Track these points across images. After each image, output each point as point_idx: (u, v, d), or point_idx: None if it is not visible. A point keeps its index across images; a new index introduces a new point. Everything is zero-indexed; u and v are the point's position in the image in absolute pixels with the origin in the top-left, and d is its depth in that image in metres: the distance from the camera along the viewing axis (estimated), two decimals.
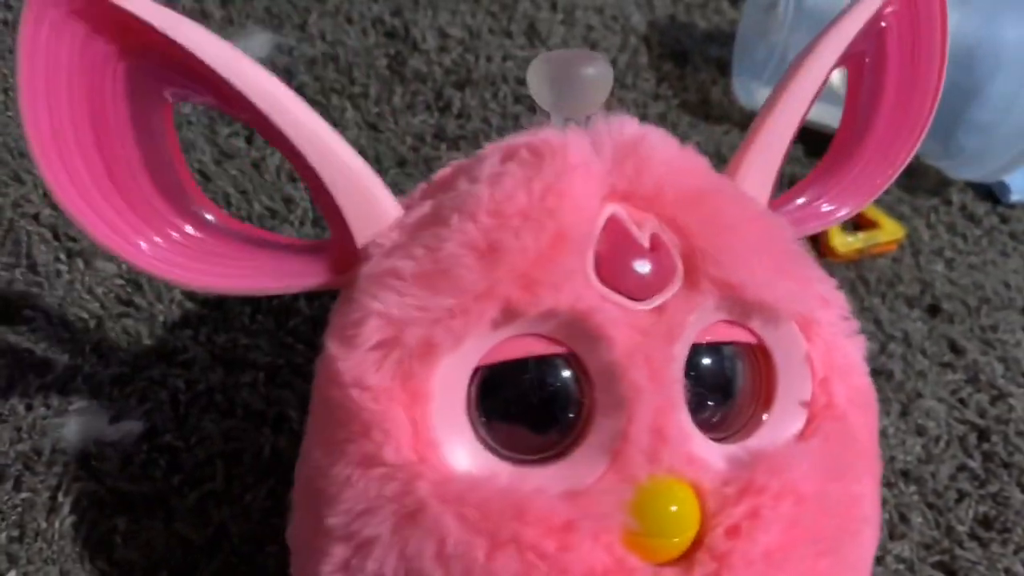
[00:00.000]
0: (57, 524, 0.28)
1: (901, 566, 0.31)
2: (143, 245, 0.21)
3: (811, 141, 0.47)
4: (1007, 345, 0.39)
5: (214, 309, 0.34)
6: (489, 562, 0.19)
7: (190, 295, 0.35)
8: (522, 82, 0.48)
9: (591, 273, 0.21)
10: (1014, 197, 0.47)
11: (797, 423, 0.22)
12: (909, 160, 0.27)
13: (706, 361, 0.22)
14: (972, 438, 0.35)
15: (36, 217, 0.36)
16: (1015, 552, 0.31)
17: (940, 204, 0.46)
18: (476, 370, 0.21)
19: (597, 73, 0.23)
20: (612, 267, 0.21)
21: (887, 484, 0.33)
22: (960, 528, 0.32)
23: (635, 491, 0.20)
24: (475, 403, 0.21)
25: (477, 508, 0.19)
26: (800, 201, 0.27)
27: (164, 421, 0.31)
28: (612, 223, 0.22)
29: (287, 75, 0.46)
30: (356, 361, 0.20)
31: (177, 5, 0.49)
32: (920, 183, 0.47)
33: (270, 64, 0.46)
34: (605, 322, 0.20)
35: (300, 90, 0.45)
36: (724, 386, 0.22)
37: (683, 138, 0.49)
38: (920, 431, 0.35)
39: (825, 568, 0.21)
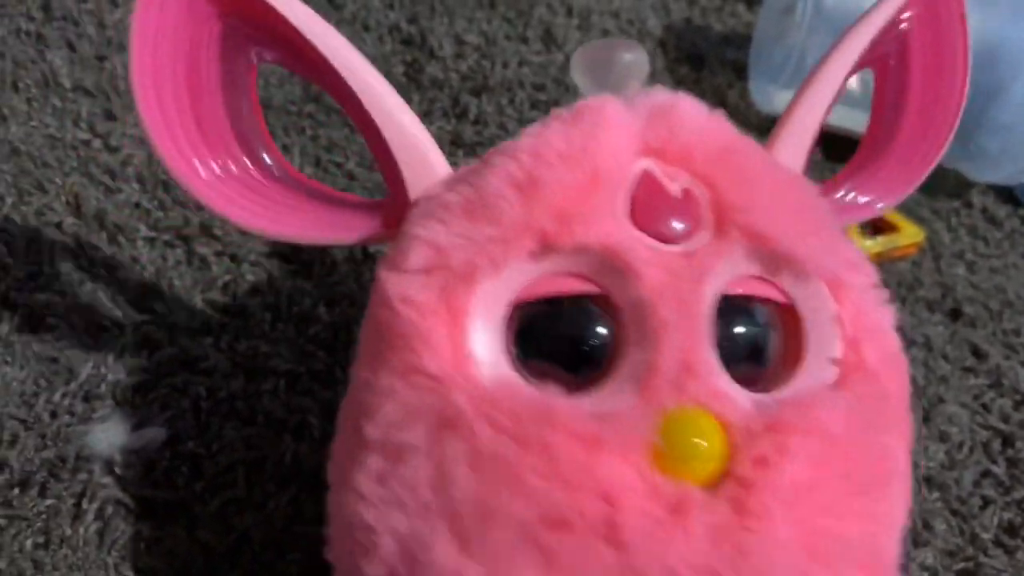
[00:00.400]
0: (82, 531, 0.28)
1: (925, 574, 0.30)
2: (202, 171, 0.24)
3: (829, 145, 0.47)
4: None
5: (235, 317, 0.35)
6: (516, 461, 0.20)
7: (210, 303, 0.35)
8: (539, 87, 0.48)
9: (624, 215, 0.22)
10: None
11: (828, 379, 0.23)
12: (936, 162, 0.28)
13: (736, 316, 0.23)
14: (996, 444, 0.35)
15: (59, 226, 0.37)
16: None
17: (961, 207, 0.46)
18: (515, 307, 0.22)
19: (634, 58, 0.25)
20: (644, 212, 0.22)
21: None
22: (985, 535, 0.32)
23: (662, 417, 0.20)
24: (513, 339, 0.22)
25: (509, 415, 0.20)
26: (835, 199, 0.28)
27: (186, 428, 0.31)
28: (645, 175, 0.23)
29: (305, 82, 0.46)
30: (403, 281, 0.22)
31: None
32: (940, 186, 0.47)
33: (288, 72, 0.46)
34: (636, 259, 0.21)
35: (318, 98, 0.45)
36: (753, 343, 0.23)
37: None
38: (943, 437, 0.35)
39: (858, 508, 0.21)
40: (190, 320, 0.34)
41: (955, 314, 0.40)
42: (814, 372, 0.23)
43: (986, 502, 0.33)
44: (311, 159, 0.42)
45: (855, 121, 0.46)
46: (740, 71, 0.51)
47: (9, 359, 0.32)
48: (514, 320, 0.22)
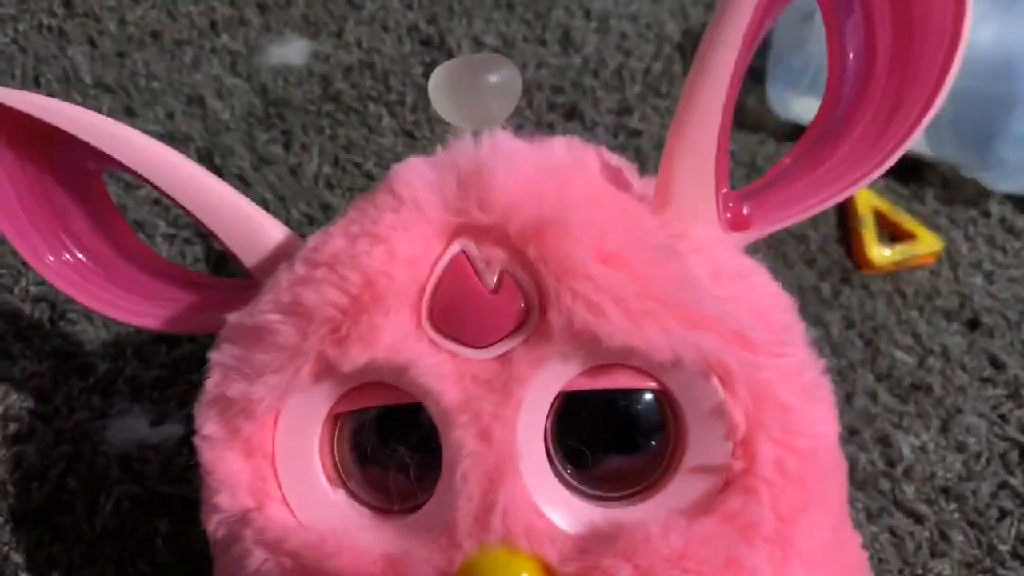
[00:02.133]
0: (98, 526, 0.28)
1: None
2: (50, 259, 0.25)
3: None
4: None
5: None
6: None
7: None
8: (557, 90, 0.48)
9: (424, 317, 0.19)
10: None
11: (705, 491, 0.19)
12: (916, 135, 0.22)
13: (585, 409, 0.20)
14: (1014, 455, 0.34)
15: None
16: None
17: (979, 216, 0.46)
18: (336, 417, 0.21)
19: (501, 80, 0.21)
20: (445, 311, 0.19)
21: (927, 501, 0.32)
22: (1002, 547, 0.31)
23: (461, 562, 0.18)
24: (333, 450, 0.21)
25: (290, 556, 0.19)
26: (776, 185, 0.23)
27: None
28: (455, 263, 0.20)
29: (324, 82, 0.46)
30: (200, 412, 0.21)
31: (216, 13, 0.49)
32: (958, 195, 0.46)
33: (307, 71, 0.47)
34: (428, 374, 0.19)
35: (337, 97, 0.45)
36: (608, 436, 0.20)
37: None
38: (960, 447, 0.34)
39: None
40: None
41: (973, 324, 0.40)
42: (691, 480, 0.19)
43: (1003, 513, 0.32)
44: (329, 158, 0.42)
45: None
46: (758, 77, 0.51)
47: (28, 354, 0.32)
48: (338, 431, 0.21)
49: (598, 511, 0.19)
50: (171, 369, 0.32)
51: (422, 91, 0.47)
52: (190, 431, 0.30)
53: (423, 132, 0.45)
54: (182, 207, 0.23)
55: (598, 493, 0.20)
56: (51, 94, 0.42)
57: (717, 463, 0.19)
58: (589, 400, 0.20)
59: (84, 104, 0.42)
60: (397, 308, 0.19)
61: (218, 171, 0.40)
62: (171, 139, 0.40)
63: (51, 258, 0.25)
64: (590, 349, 0.19)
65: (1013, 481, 0.33)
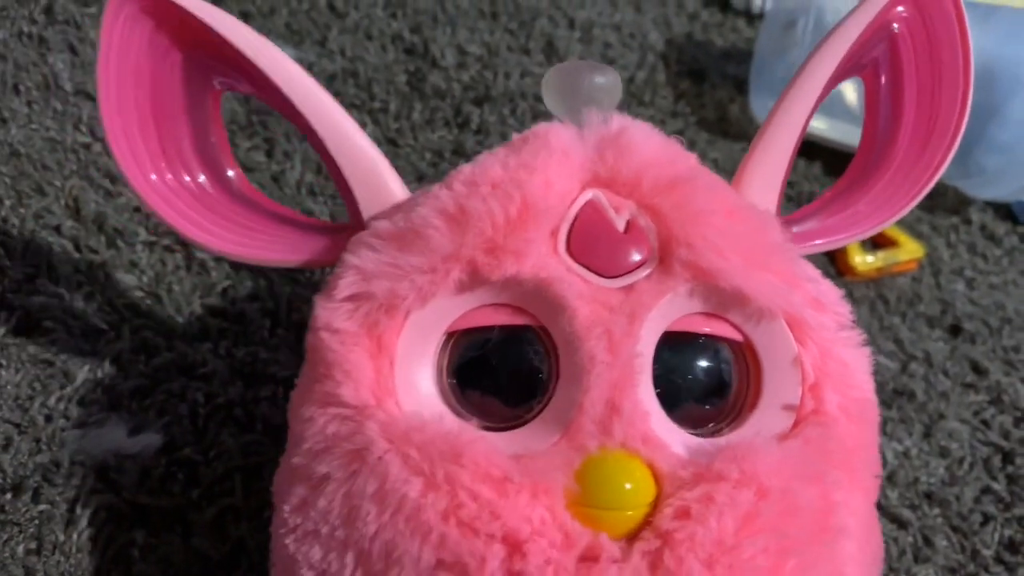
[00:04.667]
0: (75, 537, 0.28)
1: None
2: (154, 178, 0.24)
3: (829, 159, 0.47)
4: None
5: (234, 322, 0.34)
6: (421, 499, 0.19)
7: (209, 308, 0.35)
8: (540, 98, 0.48)
9: (561, 246, 0.22)
10: None
11: (781, 426, 0.22)
12: (935, 181, 0.26)
13: (680, 352, 0.22)
14: (996, 460, 0.35)
15: (58, 229, 0.36)
16: None
17: (960, 223, 0.46)
18: (451, 335, 0.22)
19: (606, 81, 0.24)
20: (582, 242, 0.22)
21: (911, 507, 0.32)
22: (986, 552, 0.31)
23: (583, 461, 0.20)
24: (446, 367, 0.22)
25: (419, 448, 0.20)
26: (817, 217, 0.26)
27: (183, 434, 0.30)
28: (590, 205, 0.22)
29: None
30: (330, 309, 0.22)
31: None
32: (939, 202, 0.47)
33: None
34: (567, 292, 0.21)
35: None
36: (698, 381, 0.22)
37: (701, 155, 0.49)
38: (943, 453, 0.35)
39: (791, 569, 0.20)
40: (188, 325, 0.34)
41: (955, 330, 0.40)
42: (768, 417, 0.22)
43: (987, 518, 0.33)
44: (312, 166, 0.42)
45: (854, 136, 0.46)
46: (741, 85, 0.52)
47: (4, 362, 0.32)
48: (451, 349, 0.22)
49: (692, 438, 0.21)
50: (150, 378, 0.32)
51: (405, 99, 0.47)
52: (168, 440, 0.30)
53: (406, 140, 0.45)
54: (317, 139, 0.24)
55: (686, 428, 0.22)
56: (30, 102, 0.42)
57: (791, 403, 0.22)
58: (684, 344, 0.22)
59: (64, 111, 0.42)
60: (545, 231, 0.22)
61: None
62: None
63: (153, 176, 0.24)
64: (706, 289, 0.22)
65: (996, 486, 0.34)
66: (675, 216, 0.22)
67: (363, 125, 0.45)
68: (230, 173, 0.26)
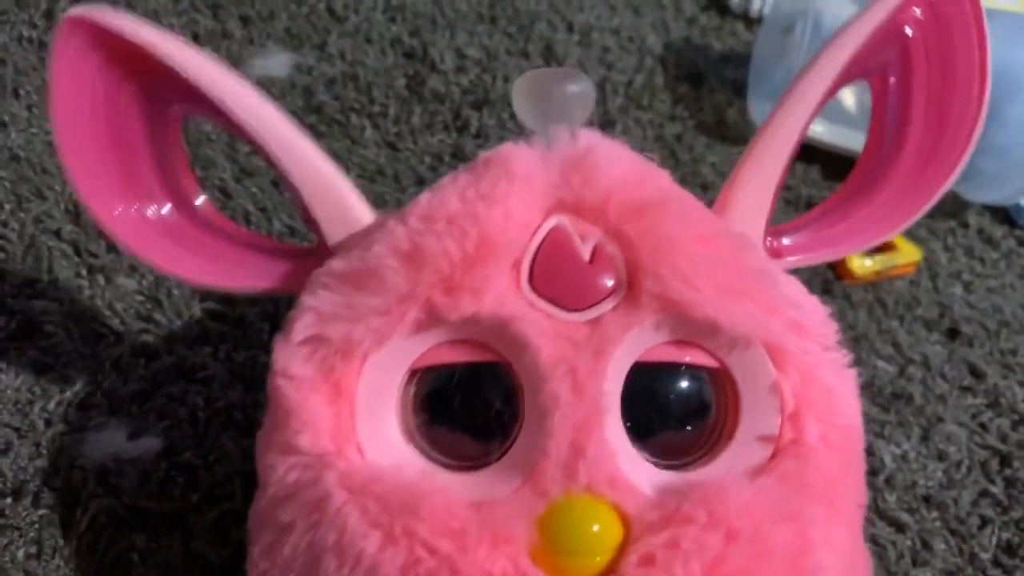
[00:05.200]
0: (75, 541, 0.28)
1: None
2: (119, 212, 0.24)
3: (828, 164, 0.47)
4: None
5: (234, 327, 0.34)
6: (379, 554, 0.19)
7: (209, 312, 0.35)
8: None
9: (523, 279, 0.21)
10: None
11: (758, 457, 0.21)
12: (941, 193, 0.25)
13: (652, 382, 0.21)
14: (994, 463, 0.35)
15: (58, 233, 0.36)
16: None
17: (957, 227, 0.46)
18: (413, 372, 0.21)
19: (578, 90, 0.23)
20: (545, 275, 0.21)
21: (909, 510, 0.32)
22: (983, 555, 0.31)
23: (547, 506, 0.19)
24: (411, 405, 0.21)
25: (377, 499, 0.19)
26: (814, 227, 0.26)
27: (183, 438, 0.31)
28: (554, 233, 0.21)
29: (307, 94, 0.46)
30: (287, 353, 0.21)
31: (199, 25, 0.49)
32: (937, 206, 0.47)
33: (290, 83, 0.47)
34: (529, 330, 0.20)
35: (320, 109, 0.45)
36: (671, 409, 0.22)
37: (699, 159, 0.49)
38: (941, 456, 0.35)
39: None
40: (188, 330, 0.34)
41: (952, 333, 0.40)
42: (744, 448, 0.21)
43: (985, 521, 0.33)
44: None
45: (852, 140, 0.46)
46: (739, 89, 0.52)
47: (4, 366, 0.32)
48: (416, 386, 0.21)
49: (664, 474, 0.21)
50: (150, 382, 0.32)
51: (405, 103, 0.47)
52: (168, 445, 0.30)
53: (406, 144, 0.45)
54: (275, 166, 0.23)
55: (659, 459, 0.21)
56: (30, 106, 0.42)
57: (769, 434, 0.21)
58: (655, 373, 0.21)
59: None
60: (505, 266, 0.21)
61: (199, 183, 0.40)
62: None
63: (118, 210, 0.24)
64: (676, 320, 0.21)
65: (994, 489, 0.34)
66: (643, 244, 0.21)
67: (362, 129, 0.45)
68: (197, 201, 0.25)
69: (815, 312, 0.23)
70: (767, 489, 0.20)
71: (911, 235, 0.44)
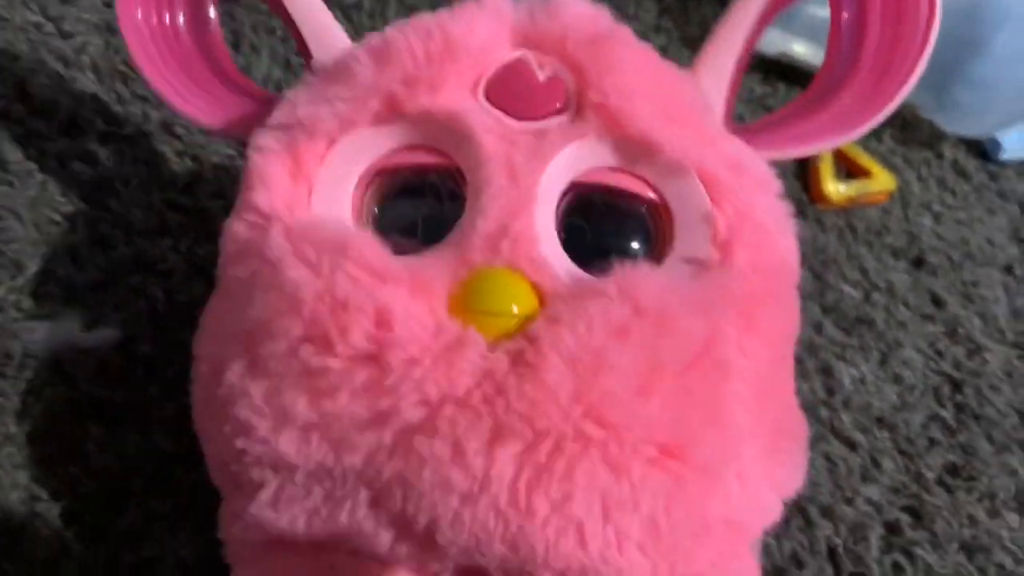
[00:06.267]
0: (28, 429, 0.27)
1: (870, 508, 0.31)
2: (139, 15, 0.27)
3: (801, 82, 0.46)
4: (987, 301, 0.39)
5: (195, 219, 0.33)
6: (301, 282, 0.20)
7: (169, 203, 0.34)
8: None
9: (479, 91, 0.23)
10: (1005, 155, 0.47)
11: (689, 273, 0.22)
12: (894, 104, 0.25)
13: (588, 206, 0.23)
14: (946, 389, 0.36)
15: (6, 114, 0.34)
16: (979, 499, 0.32)
17: (932, 157, 0.46)
18: (369, 179, 0.23)
19: None
20: (499, 87, 0.23)
21: (862, 429, 0.33)
22: (929, 475, 0.33)
23: (468, 272, 0.21)
24: (364, 206, 0.23)
25: (312, 243, 0.21)
26: (774, 128, 0.26)
27: (142, 331, 0.30)
28: (516, 61, 0.23)
29: None
30: (262, 134, 0.23)
31: None
32: (914, 135, 0.47)
33: None
34: (477, 127, 0.22)
35: None
36: (607, 233, 0.23)
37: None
38: (897, 379, 0.35)
39: (664, 388, 0.20)
40: (147, 220, 0.33)
41: (919, 262, 0.41)
42: (675, 267, 0.22)
43: (932, 443, 0.34)
44: (280, 61, 0.40)
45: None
46: (726, 3, 0.50)
47: None
48: (369, 193, 0.23)
49: (582, 271, 0.22)
50: (106, 272, 0.31)
51: None
52: (128, 335, 0.30)
53: None
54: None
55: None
56: None
57: (700, 257, 0.22)
58: (593, 199, 0.23)
59: None
60: (462, 72, 0.23)
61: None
62: (109, 30, 0.38)
63: (140, 13, 0.26)
64: (615, 139, 0.22)
65: (944, 413, 0.35)
66: (592, 67, 0.22)
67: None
68: (211, 14, 0.27)
69: (756, 158, 0.24)
70: (682, 283, 0.21)
71: (886, 163, 0.44)
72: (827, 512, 0.31)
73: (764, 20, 0.25)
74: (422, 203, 0.23)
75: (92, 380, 0.28)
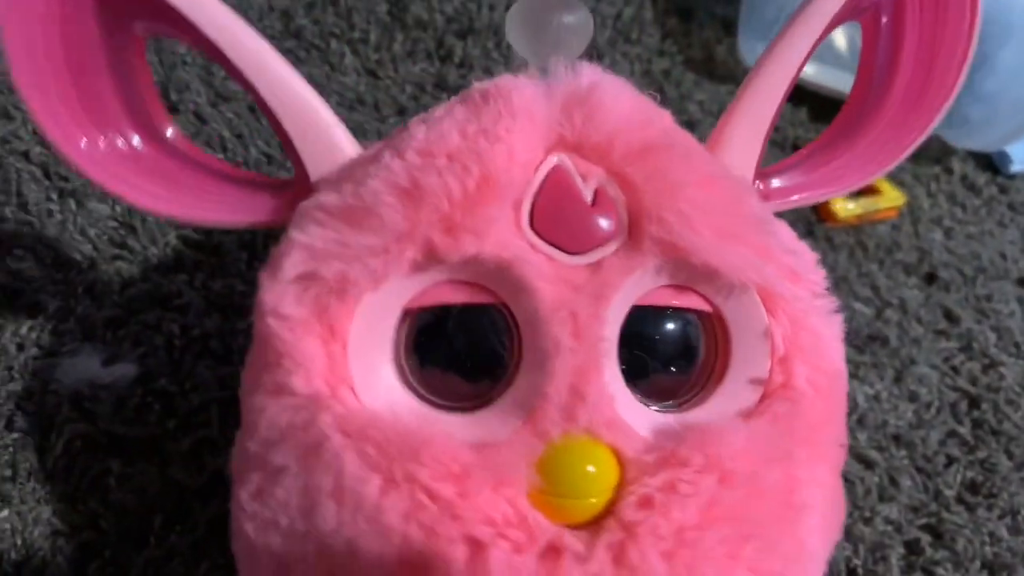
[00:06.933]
0: (50, 465, 0.28)
1: (889, 527, 0.31)
2: (84, 143, 0.22)
3: (816, 105, 0.47)
4: (1000, 315, 0.39)
5: (210, 254, 0.34)
6: (381, 499, 0.19)
7: (185, 239, 0.34)
8: None
9: (524, 221, 0.20)
10: (1014, 168, 0.47)
11: (748, 400, 0.21)
12: (926, 136, 0.25)
13: (648, 325, 0.21)
14: (963, 405, 0.35)
15: (26, 155, 0.35)
16: (1000, 517, 0.32)
17: (941, 172, 0.46)
18: (408, 312, 0.21)
19: (576, 20, 0.23)
20: (547, 217, 0.21)
21: (878, 448, 0.33)
22: (948, 492, 0.32)
23: (546, 448, 0.19)
24: (404, 345, 0.21)
25: (376, 445, 0.19)
26: (800, 169, 0.26)
27: (158, 366, 0.30)
28: (555, 173, 0.21)
29: (285, 18, 0.44)
30: (277, 292, 0.20)
31: None
32: (922, 151, 0.46)
33: (267, 6, 0.45)
34: (531, 272, 0.20)
35: (298, 34, 0.44)
36: (666, 352, 0.22)
37: (686, 96, 0.48)
38: (912, 397, 0.35)
39: (751, 553, 0.20)
40: (163, 257, 0.34)
41: (930, 278, 0.41)
42: (735, 390, 0.22)
43: (950, 460, 0.33)
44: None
45: (841, 81, 0.46)
46: (729, 26, 0.51)
47: None
48: (409, 326, 0.21)
49: (659, 417, 0.21)
50: (124, 309, 0.32)
51: (386, 29, 0.46)
52: (144, 371, 0.30)
53: (386, 71, 0.44)
54: (254, 93, 0.22)
55: (652, 401, 0.21)
56: None
57: (759, 376, 0.22)
58: (652, 316, 0.21)
59: None
60: (507, 206, 0.20)
61: (174, 107, 0.39)
62: None
63: (83, 142, 0.22)
64: (676, 264, 0.21)
65: (961, 430, 0.34)
66: (647, 188, 0.21)
67: (342, 55, 0.44)
68: (168, 132, 0.23)
69: (807, 258, 0.23)
70: (759, 432, 0.21)
71: (895, 179, 0.44)
72: (846, 532, 0.31)
73: (801, 67, 0.24)
74: (467, 337, 0.21)
75: (111, 416, 0.29)
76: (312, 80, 0.40)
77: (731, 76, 0.49)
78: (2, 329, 0.30)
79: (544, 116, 0.21)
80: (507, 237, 0.20)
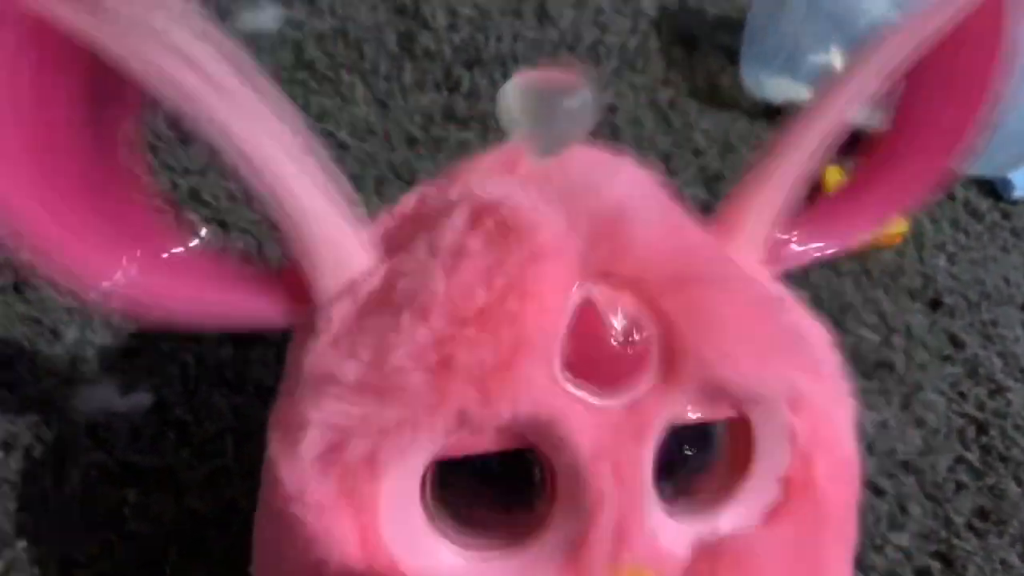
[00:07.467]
0: (66, 493, 0.28)
1: (900, 555, 0.31)
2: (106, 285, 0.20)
3: None
4: (1006, 340, 0.40)
5: None
6: None
7: None
8: (533, 64, 0.48)
9: (556, 369, 0.19)
10: (1017, 193, 0.47)
11: (772, 496, 0.22)
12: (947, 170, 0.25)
13: (679, 439, 0.21)
14: (971, 431, 0.36)
15: None
16: (1011, 544, 0.32)
17: (944, 198, 0.47)
18: (439, 461, 0.20)
19: (576, 104, 0.21)
20: (579, 359, 0.20)
21: (887, 475, 0.33)
22: (958, 519, 0.32)
23: None
24: (432, 494, 0.20)
25: None
26: (813, 227, 0.25)
27: (174, 395, 0.31)
28: (585, 311, 0.20)
29: (297, 50, 0.45)
30: (298, 472, 0.19)
31: None
32: None
33: (279, 38, 0.46)
34: (570, 427, 0.19)
35: (310, 65, 0.45)
36: (696, 458, 0.22)
37: (691, 125, 0.49)
38: (920, 423, 0.35)
39: None
40: None
41: (935, 304, 0.41)
42: (759, 487, 0.22)
43: (959, 487, 0.34)
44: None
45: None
46: (732, 55, 0.51)
47: None
48: (440, 474, 0.20)
49: (692, 528, 0.21)
50: (139, 339, 0.32)
51: (395, 60, 0.46)
52: (160, 400, 0.30)
53: (396, 102, 0.44)
54: (262, 200, 0.19)
55: (679, 499, 0.22)
56: None
57: (781, 474, 0.22)
58: (683, 431, 0.21)
59: None
60: (540, 361, 0.19)
61: (186, 139, 0.40)
62: None
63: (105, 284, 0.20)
64: (712, 390, 0.20)
65: (970, 456, 0.35)
66: (685, 324, 0.20)
67: (353, 86, 0.44)
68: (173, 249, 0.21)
69: (825, 350, 0.23)
70: (789, 537, 0.21)
71: None
72: (857, 561, 0.31)
73: (817, 154, 0.23)
74: (503, 485, 0.21)
75: (127, 445, 0.29)
76: (323, 110, 0.41)
77: (735, 104, 0.49)
78: (20, 358, 0.31)
79: (572, 253, 0.20)
80: (541, 395, 0.19)
